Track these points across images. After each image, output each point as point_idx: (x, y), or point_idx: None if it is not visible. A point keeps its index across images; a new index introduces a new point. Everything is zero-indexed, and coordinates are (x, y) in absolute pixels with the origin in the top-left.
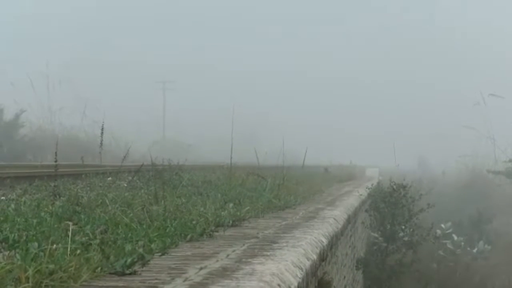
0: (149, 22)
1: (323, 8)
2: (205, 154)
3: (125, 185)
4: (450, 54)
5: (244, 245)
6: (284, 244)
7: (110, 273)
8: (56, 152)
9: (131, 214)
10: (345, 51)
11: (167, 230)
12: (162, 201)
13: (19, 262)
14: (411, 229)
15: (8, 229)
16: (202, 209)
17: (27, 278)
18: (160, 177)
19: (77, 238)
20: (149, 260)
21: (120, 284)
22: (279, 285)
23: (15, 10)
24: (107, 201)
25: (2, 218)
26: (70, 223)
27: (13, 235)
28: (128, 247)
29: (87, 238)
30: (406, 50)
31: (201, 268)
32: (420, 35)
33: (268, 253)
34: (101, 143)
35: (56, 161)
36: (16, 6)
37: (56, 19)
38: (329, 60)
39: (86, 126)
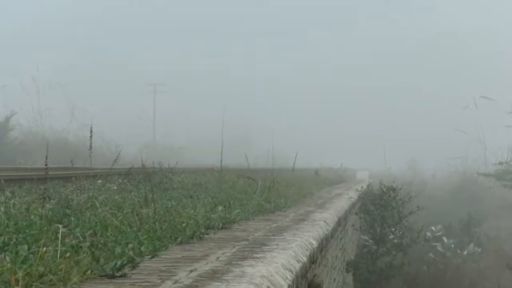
0: (141, 27)
1: (316, 13)
2: (196, 157)
3: (115, 188)
4: (441, 58)
5: (234, 247)
6: (274, 247)
7: (100, 276)
8: (46, 156)
9: (121, 217)
10: (337, 56)
11: (157, 233)
12: (152, 204)
13: (9, 265)
14: (401, 232)
15: None
16: (192, 211)
17: (17, 281)
18: (150, 180)
19: (67, 241)
20: (139, 263)
21: (110, 286)
22: (269, 287)
23: (7, 15)
24: (97, 204)
25: None
26: (60, 225)
27: (3, 238)
28: (118, 249)
29: (77, 241)
30: (398, 55)
31: (191, 271)
32: (411, 40)
33: (258, 256)
34: (91, 146)
35: (46, 164)
36: (8, 10)
37: (47, 24)
38: (320, 65)
39: (76, 129)
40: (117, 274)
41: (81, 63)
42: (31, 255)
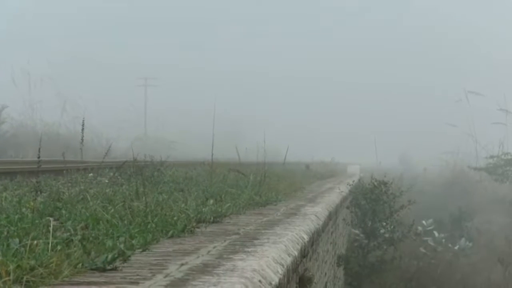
0: (133, 21)
1: (311, 11)
2: (187, 151)
3: (107, 181)
4: (433, 54)
5: (225, 241)
6: (265, 241)
7: (91, 269)
8: (39, 149)
9: (112, 210)
10: (330, 51)
11: (148, 226)
12: (144, 197)
13: (0, 258)
14: (392, 226)
15: None
16: (183, 205)
17: (8, 273)
18: (141, 174)
19: (58, 234)
20: (130, 256)
21: (101, 280)
22: (260, 281)
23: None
24: (88, 197)
25: None
26: (51, 219)
27: None
28: (109, 243)
29: (68, 234)
30: (389, 49)
31: (182, 264)
32: (401, 34)
33: (249, 250)
34: (82, 139)
35: (39, 157)
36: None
37: (40, 18)
38: (313, 60)
39: (67, 122)
40: (108, 268)
41: (72, 57)
42: (22, 248)
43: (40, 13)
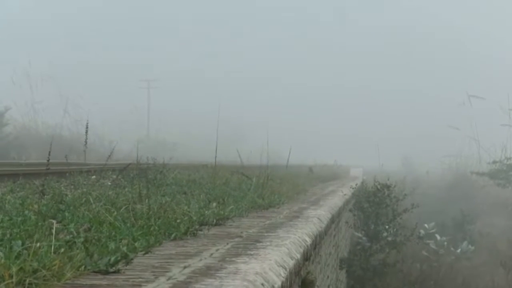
0: (136, 22)
1: (311, 13)
2: (189, 153)
3: (109, 183)
4: (435, 58)
5: (228, 244)
6: (268, 243)
7: (94, 272)
8: (49, 152)
9: (115, 213)
10: (330, 54)
11: (151, 229)
12: (146, 200)
13: (2, 260)
14: (395, 229)
15: None
16: (186, 208)
17: (11, 276)
18: (144, 176)
19: (61, 236)
20: (132, 259)
21: (104, 282)
22: (262, 284)
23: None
24: (91, 199)
25: None
26: (54, 221)
27: None
28: (112, 245)
29: (71, 236)
30: (390, 52)
31: (184, 267)
32: (404, 38)
33: (252, 252)
34: (86, 141)
35: (48, 160)
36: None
37: (41, 18)
38: (314, 64)
39: (69, 124)
40: (111, 270)
41: (73, 58)
42: (25, 251)
43: (41, 13)
